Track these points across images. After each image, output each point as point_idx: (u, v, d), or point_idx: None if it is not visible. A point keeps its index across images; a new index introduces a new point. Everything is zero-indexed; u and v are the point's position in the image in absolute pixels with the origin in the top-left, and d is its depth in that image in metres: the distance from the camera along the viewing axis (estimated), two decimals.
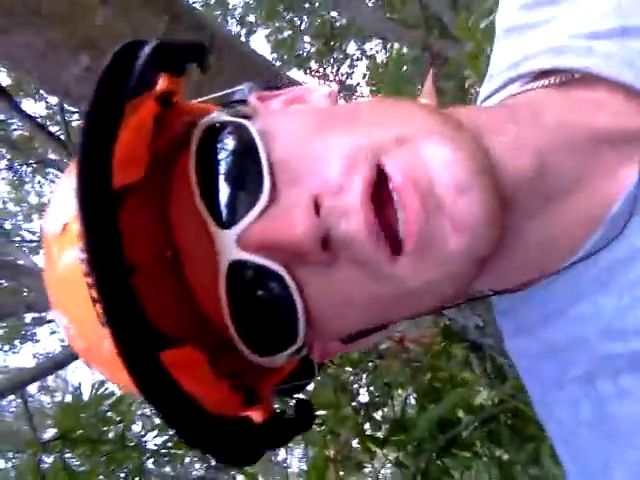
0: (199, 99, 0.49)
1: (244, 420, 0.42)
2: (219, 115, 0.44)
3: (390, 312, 0.43)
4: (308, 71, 6.09)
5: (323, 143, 0.39)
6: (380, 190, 0.37)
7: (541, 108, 0.46)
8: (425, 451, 1.69)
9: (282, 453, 3.33)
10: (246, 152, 0.40)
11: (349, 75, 6.47)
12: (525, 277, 0.46)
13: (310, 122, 0.42)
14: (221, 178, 0.40)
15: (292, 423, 0.45)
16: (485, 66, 0.58)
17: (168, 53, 0.42)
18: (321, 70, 6.24)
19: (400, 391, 2.08)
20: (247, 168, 0.40)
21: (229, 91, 0.50)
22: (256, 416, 0.43)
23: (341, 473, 1.83)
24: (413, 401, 2.01)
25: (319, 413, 1.95)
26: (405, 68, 5.14)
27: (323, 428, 1.94)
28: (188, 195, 0.40)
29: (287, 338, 0.41)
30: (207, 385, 0.41)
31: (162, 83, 0.42)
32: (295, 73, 5.89)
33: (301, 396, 0.49)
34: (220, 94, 0.50)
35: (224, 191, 0.40)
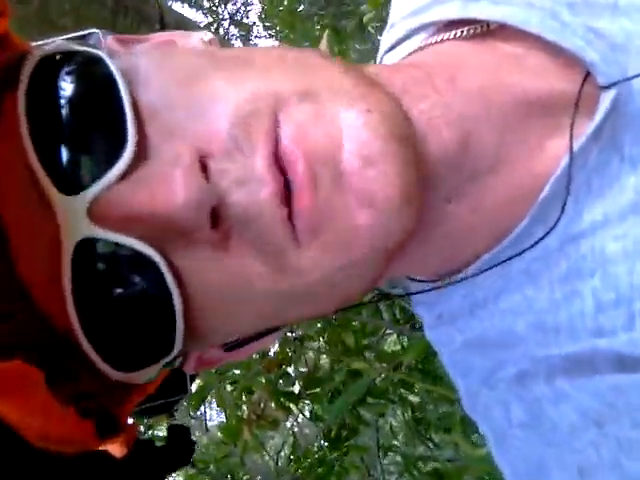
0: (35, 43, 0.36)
1: (98, 456, 0.32)
2: (62, 44, 0.32)
3: (288, 311, 0.35)
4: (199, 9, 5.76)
5: (209, 87, 0.31)
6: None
7: (457, 69, 0.38)
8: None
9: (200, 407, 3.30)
10: (102, 92, 0.30)
11: (244, 14, 6.19)
12: (444, 266, 0.40)
13: (191, 62, 0.33)
14: (65, 126, 0.29)
15: (165, 455, 0.35)
16: None
17: None
18: (214, 7, 5.92)
19: (312, 344, 2.06)
20: (103, 113, 0.30)
21: (76, 34, 0.38)
22: (115, 449, 0.32)
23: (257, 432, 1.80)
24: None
25: (232, 372, 1.90)
26: (302, 7, 4.98)
27: (235, 388, 1.90)
28: (16, 149, 0.29)
29: (160, 347, 0.32)
30: (43, 413, 0.30)
31: None
32: (181, 9, 5.52)
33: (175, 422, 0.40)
34: (64, 37, 0.37)
35: (70, 144, 0.29)
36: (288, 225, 0.29)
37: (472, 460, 1.44)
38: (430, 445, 1.85)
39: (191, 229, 0.29)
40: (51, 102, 0.30)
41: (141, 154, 0.29)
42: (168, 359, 0.33)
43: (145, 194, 0.28)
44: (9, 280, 0.29)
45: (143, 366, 0.32)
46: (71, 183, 0.29)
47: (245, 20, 6.07)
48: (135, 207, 0.28)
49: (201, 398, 1.81)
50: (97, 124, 0.30)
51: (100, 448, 0.32)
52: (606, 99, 0.37)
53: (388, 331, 1.96)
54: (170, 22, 1.72)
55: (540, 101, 0.38)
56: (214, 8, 5.82)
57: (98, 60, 0.31)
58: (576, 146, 0.37)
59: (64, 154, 0.29)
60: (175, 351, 0.32)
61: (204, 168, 0.29)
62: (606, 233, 0.37)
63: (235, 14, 5.98)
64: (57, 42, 0.33)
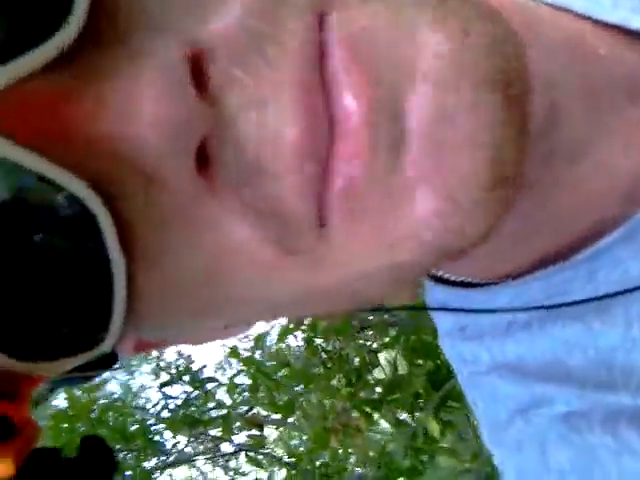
0: None
1: None
2: None
3: (285, 310, 0.26)
4: None
5: None
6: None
7: (534, 17, 0.28)
8: (422, 408, 1.69)
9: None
10: None
11: None
12: (484, 270, 0.33)
13: None
14: None
15: (76, 469, 0.23)
16: None
17: None
18: None
19: (387, 352, 2.08)
20: None
21: None
22: (3, 469, 0.20)
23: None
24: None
25: (311, 386, 1.95)
26: None
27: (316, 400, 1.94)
28: None
29: (86, 335, 0.21)
30: None
31: None
32: None
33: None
34: None
35: None
36: (315, 191, 0.19)
37: None
38: None
39: (160, 170, 0.17)
40: None
41: (93, 34, 0.18)
42: (97, 352, 0.21)
43: (89, 98, 0.17)
44: None
45: (57, 357, 0.21)
46: None
47: None
48: (68, 117, 0.17)
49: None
50: None
51: None
52: None
53: None
54: None
55: (630, 82, 0.29)
56: None
57: None
58: None
59: None
60: (108, 341, 0.21)
61: (197, 73, 0.17)
62: None
63: None
64: None
